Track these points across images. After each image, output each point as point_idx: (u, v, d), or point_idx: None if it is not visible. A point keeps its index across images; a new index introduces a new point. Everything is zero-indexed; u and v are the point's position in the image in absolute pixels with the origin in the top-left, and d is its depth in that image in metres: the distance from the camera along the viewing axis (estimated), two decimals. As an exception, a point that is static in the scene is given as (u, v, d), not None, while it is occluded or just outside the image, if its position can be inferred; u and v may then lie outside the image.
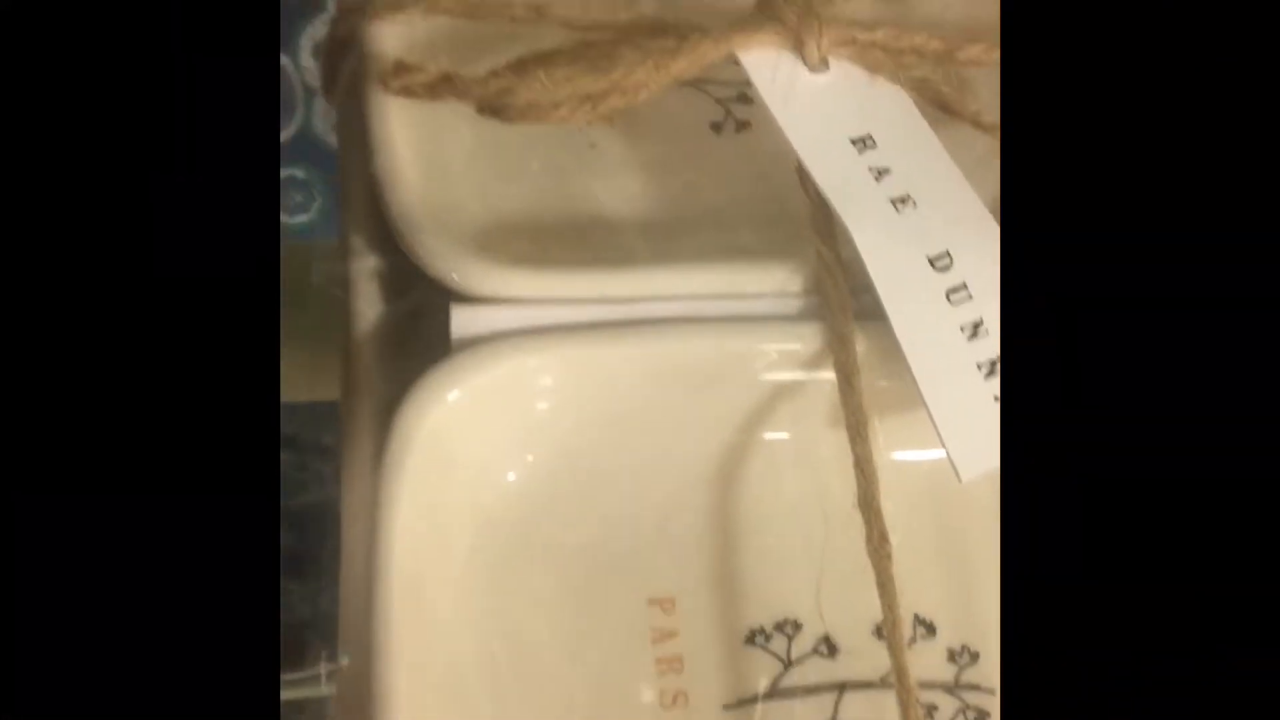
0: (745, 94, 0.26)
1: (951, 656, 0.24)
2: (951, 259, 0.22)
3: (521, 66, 0.22)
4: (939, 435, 0.21)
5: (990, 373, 0.22)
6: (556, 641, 0.22)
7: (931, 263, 0.22)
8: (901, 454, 0.23)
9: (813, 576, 0.23)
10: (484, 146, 0.24)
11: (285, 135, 0.62)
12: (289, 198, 0.63)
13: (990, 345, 0.22)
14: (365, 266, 0.23)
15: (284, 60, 0.61)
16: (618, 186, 0.24)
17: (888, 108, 0.24)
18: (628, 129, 0.25)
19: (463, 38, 0.24)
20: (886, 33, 0.24)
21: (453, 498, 0.21)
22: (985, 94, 0.26)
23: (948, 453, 0.21)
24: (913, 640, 0.23)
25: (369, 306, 0.22)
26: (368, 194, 0.23)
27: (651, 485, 0.23)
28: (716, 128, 0.26)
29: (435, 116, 0.23)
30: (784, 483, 0.23)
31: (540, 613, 0.22)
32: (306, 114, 0.63)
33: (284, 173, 0.63)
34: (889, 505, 0.22)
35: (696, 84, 0.26)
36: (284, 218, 0.63)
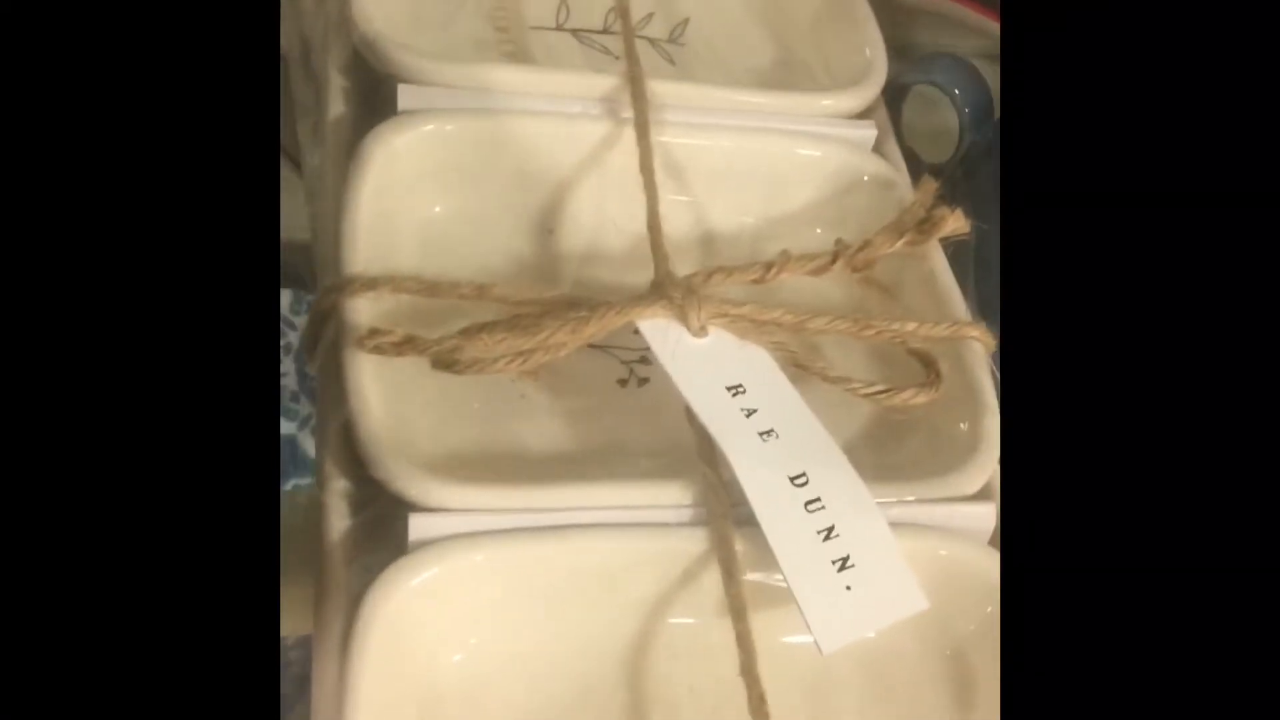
0: (645, 357, 0.32)
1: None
2: (808, 478, 0.28)
3: (468, 331, 0.28)
4: (804, 619, 0.26)
5: (842, 567, 0.27)
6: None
7: (792, 481, 0.28)
8: (784, 638, 0.28)
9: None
10: (436, 396, 0.29)
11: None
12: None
13: (841, 545, 0.27)
14: (336, 487, 0.27)
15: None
16: (542, 427, 0.30)
17: (754, 364, 0.29)
18: (552, 383, 0.31)
19: (420, 311, 0.29)
20: (751, 308, 0.30)
21: (406, 675, 0.25)
22: (830, 354, 0.33)
23: (812, 632, 0.26)
24: (794, 796, 0.27)
25: (339, 519, 0.27)
26: (340, 433, 0.28)
27: (573, 664, 0.27)
28: (622, 383, 0.32)
29: (397, 372, 0.28)
30: (682, 659, 0.27)
31: (477, 777, 0.26)
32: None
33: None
34: (774, 679, 0.26)
35: (607, 349, 0.32)
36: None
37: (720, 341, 0.30)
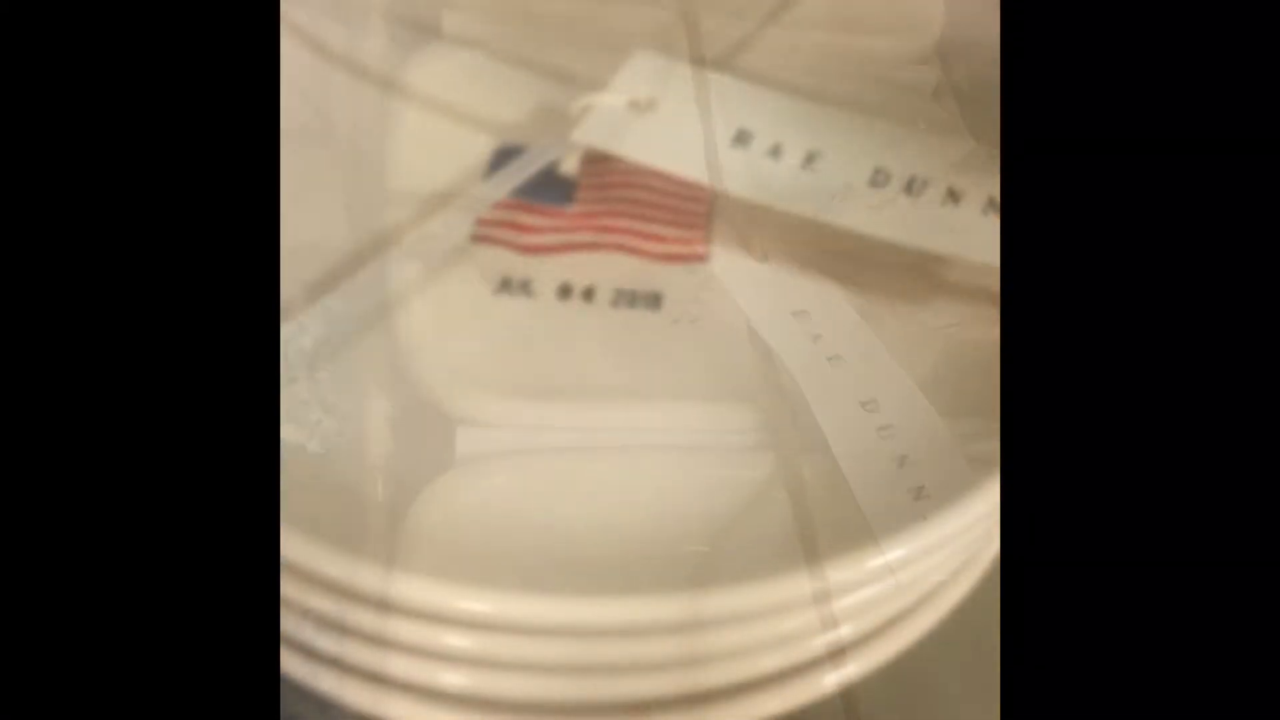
0: (699, 297, 0.31)
1: None
2: (878, 404, 0.26)
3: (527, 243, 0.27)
4: (879, 548, 0.25)
5: (918, 497, 0.25)
6: None
7: (863, 405, 0.26)
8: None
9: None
10: (485, 326, 0.27)
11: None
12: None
13: (916, 474, 0.26)
14: (377, 408, 0.26)
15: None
16: (595, 355, 0.28)
17: (818, 290, 0.28)
18: (604, 322, 0.29)
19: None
20: (814, 237, 0.29)
21: (452, 595, 0.24)
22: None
23: (885, 560, 0.24)
24: None
25: (379, 442, 0.25)
26: (385, 351, 0.26)
27: (624, 591, 0.25)
28: (675, 322, 0.30)
29: (445, 298, 0.27)
30: (746, 584, 0.25)
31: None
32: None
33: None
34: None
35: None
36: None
37: (782, 268, 0.28)
